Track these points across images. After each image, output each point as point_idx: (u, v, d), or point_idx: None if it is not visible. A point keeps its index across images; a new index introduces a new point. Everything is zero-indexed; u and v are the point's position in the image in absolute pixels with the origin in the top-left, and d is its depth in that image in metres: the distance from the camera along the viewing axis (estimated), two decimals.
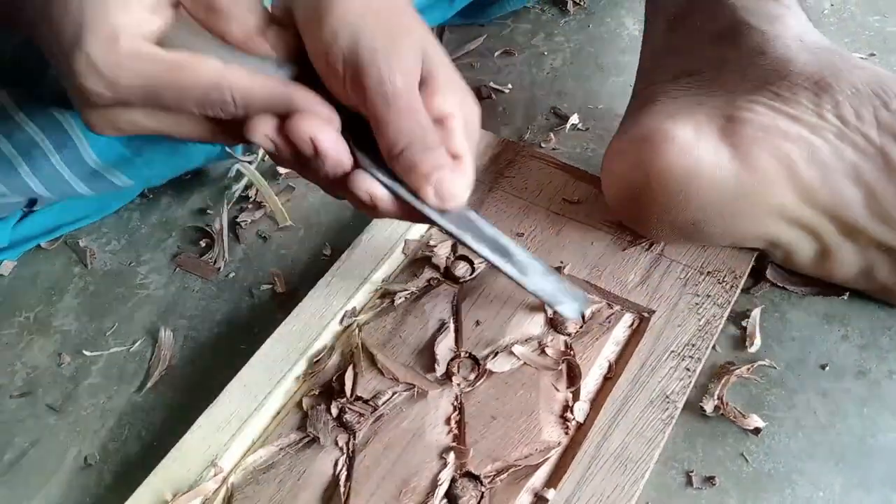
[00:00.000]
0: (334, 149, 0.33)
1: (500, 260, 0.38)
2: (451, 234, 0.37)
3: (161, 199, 0.56)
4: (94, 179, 0.48)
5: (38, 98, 0.46)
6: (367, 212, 0.36)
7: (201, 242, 0.53)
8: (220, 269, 0.51)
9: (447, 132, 0.35)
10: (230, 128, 0.34)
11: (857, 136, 0.39)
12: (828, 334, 0.44)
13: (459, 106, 0.36)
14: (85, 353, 0.48)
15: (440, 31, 0.64)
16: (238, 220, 0.54)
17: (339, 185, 0.35)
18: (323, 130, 0.33)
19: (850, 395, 0.41)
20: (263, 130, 0.33)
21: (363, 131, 0.35)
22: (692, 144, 0.39)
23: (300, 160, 0.34)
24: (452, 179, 0.34)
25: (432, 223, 0.37)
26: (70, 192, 0.48)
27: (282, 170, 0.56)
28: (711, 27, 0.44)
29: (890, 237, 0.40)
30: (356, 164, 0.35)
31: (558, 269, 0.44)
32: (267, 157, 0.56)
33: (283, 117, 0.33)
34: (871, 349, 0.43)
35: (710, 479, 0.39)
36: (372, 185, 0.35)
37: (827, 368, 0.42)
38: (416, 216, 0.36)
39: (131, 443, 0.44)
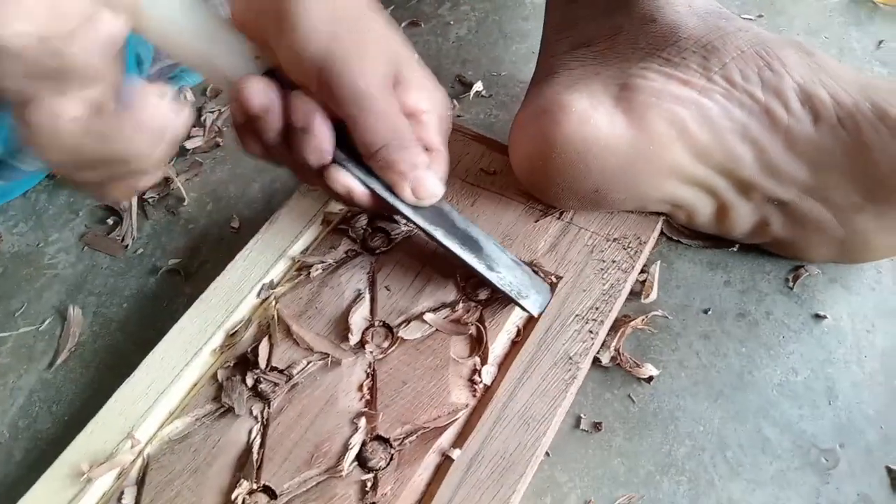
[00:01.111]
0: (322, 129, 0.36)
1: (468, 255, 0.41)
2: (422, 230, 0.39)
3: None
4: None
5: None
6: (342, 202, 0.38)
7: (109, 220, 0.52)
8: (127, 245, 0.51)
9: (421, 126, 0.38)
10: None
11: (744, 95, 0.41)
12: (711, 280, 0.46)
13: (431, 101, 0.38)
14: None
15: None
16: (146, 196, 0.53)
17: (316, 176, 0.38)
18: (319, 110, 0.35)
19: (730, 336, 0.44)
20: (263, 90, 0.35)
21: (338, 130, 0.37)
22: (588, 114, 0.41)
23: (285, 139, 0.35)
24: (428, 178, 0.38)
25: (406, 217, 0.39)
26: None
27: (189, 144, 0.56)
28: None
29: (780, 191, 0.42)
30: (333, 159, 0.37)
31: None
32: None
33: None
34: (751, 293, 0.46)
35: (598, 424, 0.41)
36: (348, 180, 0.38)
37: (709, 312, 0.45)
38: (390, 209, 0.39)
39: (42, 419, 0.44)
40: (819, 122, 0.40)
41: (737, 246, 0.47)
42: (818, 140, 0.40)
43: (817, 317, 0.45)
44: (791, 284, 0.45)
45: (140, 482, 0.38)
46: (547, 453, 0.40)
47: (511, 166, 0.48)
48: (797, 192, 0.42)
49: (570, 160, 0.41)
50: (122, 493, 0.38)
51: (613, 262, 0.44)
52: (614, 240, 0.45)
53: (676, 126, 0.41)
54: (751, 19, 0.61)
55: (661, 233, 0.47)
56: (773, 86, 0.41)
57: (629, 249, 0.45)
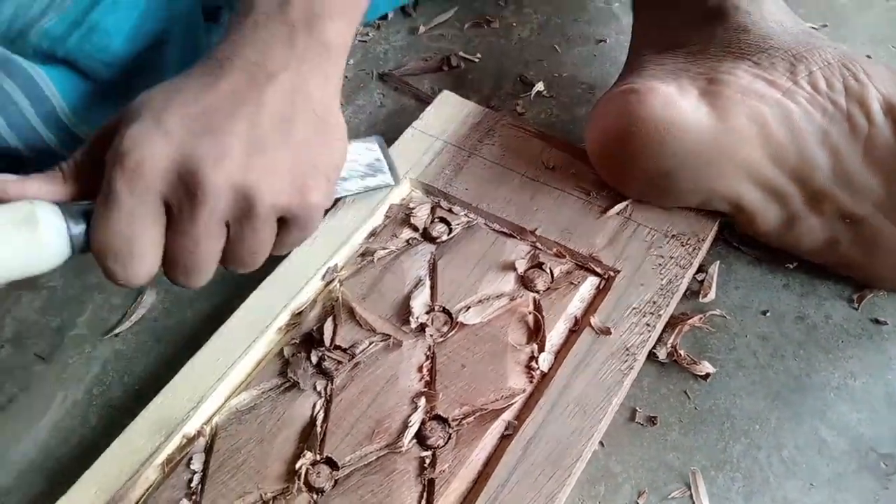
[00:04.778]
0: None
1: None
2: None
3: None
4: (63, 134, 0.49)
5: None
6: None
7: None
8: None
9: None
10: None
11: (827, 101, 0.42)
12: (770, 283, 0.46)
13: None
14: (70, 307, 0.50)
15: (414, 3, 0.66)
16: None
17: None
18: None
19: (788, 338, 0.44)
20: None
21: None
22: (674, 98, 0.42)
23: None
24: None
25: None
26: (43, 148, 0.49)
27: None
28: (701, 8, 0.47)
29: (853, 204, 0.42)
30: None
31: (532, 233, 0.46)
32: None
33: None
34: (811, 297, 0.46)
35: (653, 417, 0.41)
36: None
37: (768, 314, 0.45)
38: None
39: (115, 388, 0.46)
40: None
41: (794, 263, 0.47)
42: None
43: (877, 322, 0.44)
44: (856, 305, 0.45)
45: (208, 449, 0.40)
46: (601, 443, 0.41)
47: (571, 162, 0.49)
48: (871, 208, 0.42)
49: (649, 138, 0.42)
50: (190, 458, 0.40)
51: (671, 258, 0.45)
52: (673, 236, 0.46)
53: (757, 123, 0.41)
54: (814, 28, 0.61)
55: (721, 236, 0.48)
56: (856, 94, 0.41)
57: (687, 246, 0.45)
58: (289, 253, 0.46)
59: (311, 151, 0.37)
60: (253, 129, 0.35)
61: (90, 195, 0.36)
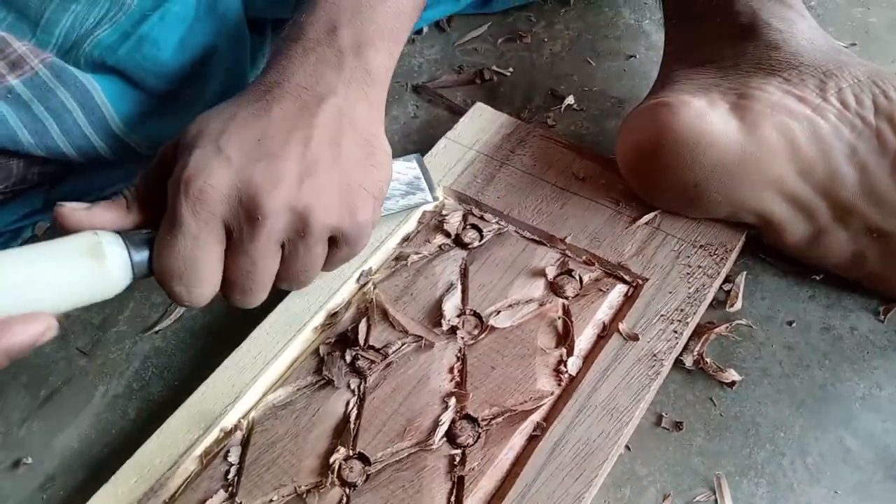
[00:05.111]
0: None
1: None
2: None
3: None
4: (116, 143, 0.51)
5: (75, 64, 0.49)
6: None
7: None
8: None
9: None
10: None
11: (856, 118, 0.42)
12: (796, 294, 0.47)
13: None
14: (112, 304, 0.52)
15: (448, 18, 0.68)
16: None
17: None
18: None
19: (814, 348, 0.45)
20: None
21: None
22: (705, 111, 0.43)
23: None
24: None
25: None
26: (94, 155, 0.51)
27: None
28: (733, 25, 0.48)
29: (880, 219, 0.43)
30: None
31: (562, 241, 0.48)
32: None
33: None
34: (836, 308, 0.46)
35: (679, 423, 0.42)
36: None
37: (794, 324, 0.46)
38: None
39: (154, 383, 0.47)
40: None
41: (821, 275, 0.47)
42: None
43: None
44: (882, 317, 0.46)
45: (245, 443, 0.41)
46: (628, 447, 0.41)
47: (601, 172, 0.51)
48: None
49: (679, 150, 0.43)
50: (227, 451, 0.41)
51: (699, 267, 0.45)
52: (700, 246, 0.46)
53: (786, 137, 0.42)
54: (845, 46, 0.62)
55: (748, 247, 0.48)
56: (886, 112, 0.42)
57: (715, 256, 0.46)
58: None
59: (359, 173, 0.39)
60: (305, 153, 0.37)
61: (151, 222, 0.38)
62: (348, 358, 0.43)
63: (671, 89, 0.46)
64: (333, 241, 0.39)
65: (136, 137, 0.51)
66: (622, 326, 0.43)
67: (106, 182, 0.55)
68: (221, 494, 0.40)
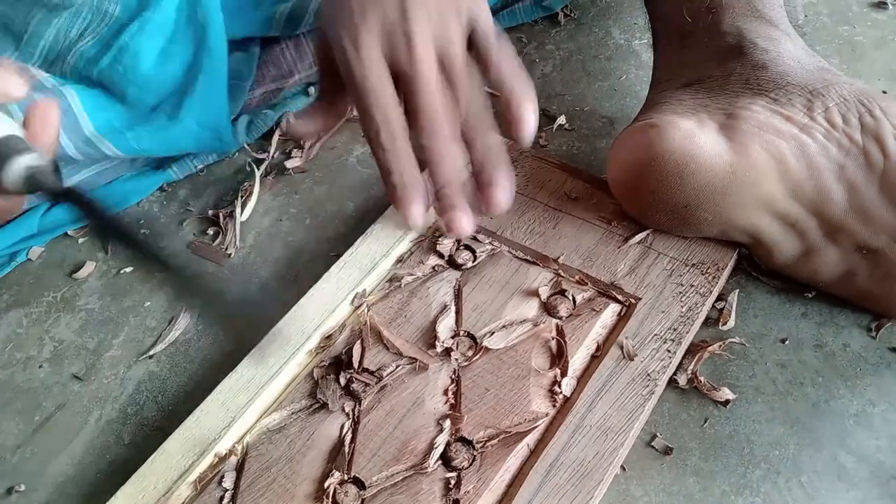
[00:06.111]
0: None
1: None
2: None
3: (179, 192, 0.60)
4: (87, 146, 0.52)
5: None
6: None
7: (209, 231, 0.57)
8: (231, 254, 0.55)
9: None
10: None
11: (843, 136, 0.43)
12: (788, 312, 0.47)
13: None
14: (107, 328, 0.52)
15: None
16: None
17: None
18: None
19: (807, 365, 0.45)
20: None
21: None
22: (694, 132, 0.43)
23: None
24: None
25: None
26: (62, 156, 0.51)
27: (290, 164, 0.60)
28: (719, 45, 0.48)
29: (870, 236, 0.43)
30: None
31: (555, 261, 0.48)
32: (277, 153, 0.60)
33: None
34: (829, 325, 0.46)
35: (673, 443, 0.42)
36: None
37: (786, 342, 0.46)
38: None
39: (149, 408, 0.47)
40: None
41: (813, 292, 0.48)
42: None
43: (895, 350, 0.45)
44: (874, 334, 0.46)
45: (239, 468, 0.41)
46: (623, 468, 0.41)
47: (592, 192, 0.51)
48: (887, 240, 0.43)
49: (669, 171, 0.44)
50: (222, 476, 0.41)
51: (692, 286, 0.46)
52: (693, 265, 0.47)
53: (775, 157, 0.43)
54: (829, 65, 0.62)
55: (740, 265, 0.49)
56: (872, 130, 0.43)
57: (707, 275, 0.46)
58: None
59: None
60: None
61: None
62: (343, 381, 0.43)
63: (659, 110, 0.47)
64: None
65: (111, 144, 0.52)
66: (624, 342, 0.43)
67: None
68: None
